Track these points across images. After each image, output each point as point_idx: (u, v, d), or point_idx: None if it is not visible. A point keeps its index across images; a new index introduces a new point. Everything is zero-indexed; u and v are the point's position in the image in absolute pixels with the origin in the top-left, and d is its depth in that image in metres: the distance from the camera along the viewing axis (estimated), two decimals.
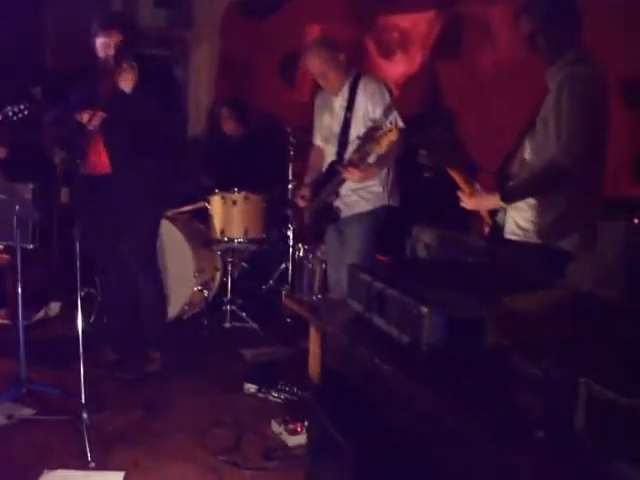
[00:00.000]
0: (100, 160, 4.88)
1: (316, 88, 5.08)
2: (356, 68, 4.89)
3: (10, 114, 4.78)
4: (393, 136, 4.14)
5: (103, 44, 4.76)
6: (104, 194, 4.88)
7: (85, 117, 4.66)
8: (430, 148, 3.76)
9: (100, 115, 4.64)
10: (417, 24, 5.96)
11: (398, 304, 2.35)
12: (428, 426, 2.13)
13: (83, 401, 3.91)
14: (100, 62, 4.81)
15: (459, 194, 3.52)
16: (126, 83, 4.80)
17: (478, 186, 3.50)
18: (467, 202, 3.51)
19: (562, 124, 3.22)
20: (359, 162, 4.41)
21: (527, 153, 3.48)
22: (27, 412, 4.28)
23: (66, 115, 4.83)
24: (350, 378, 2.67)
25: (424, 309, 2.20)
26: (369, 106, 4.62)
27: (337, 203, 4.76)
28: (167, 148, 5.08)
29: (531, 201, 3.41)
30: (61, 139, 5.03)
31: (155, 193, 5.04)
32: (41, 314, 6.18)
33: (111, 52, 4.73)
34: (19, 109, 4.76)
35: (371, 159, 4.46)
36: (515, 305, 2.23)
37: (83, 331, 4.03)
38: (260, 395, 4.62)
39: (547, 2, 3.43)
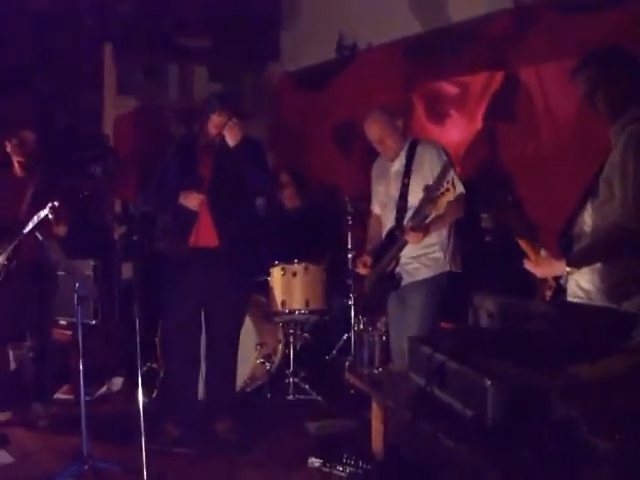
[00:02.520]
0: (209, 233, 4.97)
1: (372, 156, 5.07)
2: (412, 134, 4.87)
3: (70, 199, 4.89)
4: (451, 195, 4.10)
5: (218, 122, 4.88)
6: (210, 265, 4.97)
7: (192, 202, 4.87)
8: (494, 209, 3.70)
9: (203, 201, 4.87)
10: (470, 87, 5.94)
11: (460, 377, 2.28)
12: None
13: (145, 478, 3.87)
14: (205, 139, 4.98)
15: (526, 263, 3.44)
16: (233, 138, 4.87)
17: (544, 253, 3.42)
18: (535, 270, 3.43)
19: (628, 185, 3.12)
20: (419, 224, 4.37)
21: (589, 214, 3.38)
22: None
23: (167, 199, 4.97)
24: (413, 453, 2.58)
25: (487, 382, 2.12)
26: (427, 170, 4.59)
27: (398, 270, 4.70)
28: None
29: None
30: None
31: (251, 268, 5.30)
32: (104, 389, 6.18)
33: (224, 132, 4.88)
34: (82, 195, 4.86)
35: (429, 220, 4.41)
36: (582, 375, 2.14)
37: (145, 407, 4.02)
38: (325, 469, 4.51)
39: (602, 59, 3.34)
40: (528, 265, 3.44)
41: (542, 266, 3.40)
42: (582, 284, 3.34)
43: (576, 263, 3.27)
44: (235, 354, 5.32)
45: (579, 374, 2.12)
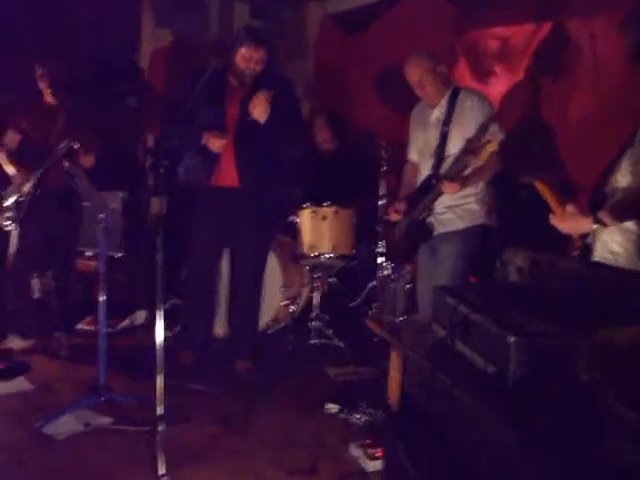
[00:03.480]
0: (230, 174, 5.02)
1: (412, 103, 4.94)
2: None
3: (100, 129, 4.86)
4: (492, 147, 3.98)
5: (247, 56, 4.88)
6: (230, 205, 5.06)
7: (215, 145, 4.91)
8: (524, 162, 3.58)
9: (228, 142, 4.93)
10: (515, 37, 5.76)
11: (484, 331, 2.19)
12: (509, 467, 1.96)
13: (160, 413, 3.85)
14: (237, 76, 4.97)
15: (551, 217, 3.34)
16: (260, 114, 4.88)
17: (570, 208, 3.31)
18: (559, 224, 3.33)
19: None
20: (457, 174, 4.27)
21: (623, 173, 3.26)
22: (104, 421, 4.28)
23: (191, 137, 5.00)
24: (430, 406, 2.51)
25: (512, 338, 2.03)
26: (468, 120, 4.46)
27: (430, 220, 4.60)
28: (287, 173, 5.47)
29: (625, 224, 3.20)
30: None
31: (277, 211, 5.44)
32: (126, 322, 6.19)
33: (253, 66, 4.90)
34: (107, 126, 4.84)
35: (468, 171, 4.30)
36: (614, 339, 2.05)
37: (165, 342, 3.99)
38: (341, 416, 4.49)
39: None
40: (553, 220, 3.35)
41: (567, 221, 3.31)
42: (611, 246, 3.24)
43: (603, 220, 3.16)
44: (258, 294, 5.37)
45: (610, 338, 2.03)
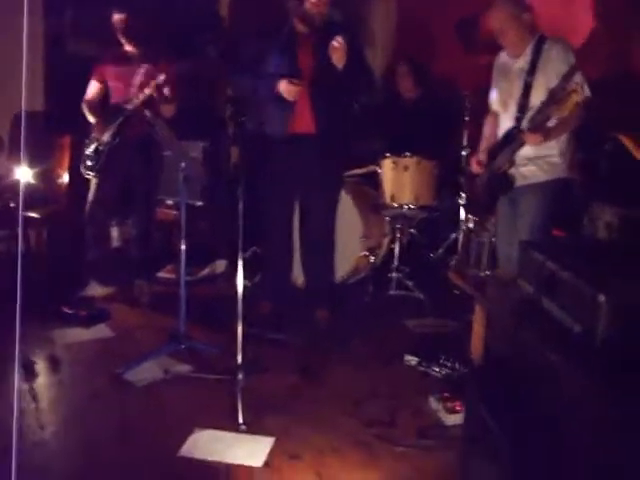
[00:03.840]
0: (306, 120, 5.00)
1: (496, 52, 4.80)
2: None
3: (174, 73, 4.85)
4: (577, 97, 3.82)
5: (312, 3, 4.86)
6: (304, 151, 5.04)
7: (291, 93, 4.87)
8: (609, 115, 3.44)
9: (303, 89, 4.89)
10: None
11: (572, 289, 2.12)
12: (595, 428, 1.90)
13: (239, 362, 3.88)
14: (307, 21, 4.93)
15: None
16: (339, 60, 4.84)
17: None
18: None
19: None
20: (540, 124, 4.14)
21: None
22: (184, 369, 4.32)
23: (265, 86, 4.97)
24: (514, 364, 2.46)
25: (602, 297, 1.96)
26: (552, 70, 4.30)
27: (512, 172, 4.48)
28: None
29: None
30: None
31: (345, 154, 5.43)
32: (206, 271, 6.24)
33: (322, 9, 4.88)
34: (182, 70, 4.83)
35: (551, 123, 4.17)
36: None
37: (246, 291, 4.01)
38: (420, 368, 4.46)
39: None
40: None
41: None
42: None
43: None
44: (332, 242, 5.39)
45: None
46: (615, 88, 5.24)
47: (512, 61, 4.53)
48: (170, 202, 6.05)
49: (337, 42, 4.78)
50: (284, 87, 4.86)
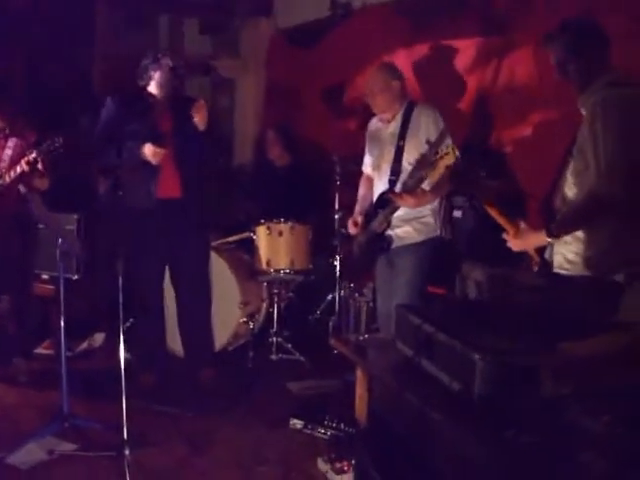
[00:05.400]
0: (172, 184, 5.08)
1: (365, 117, 5.00)
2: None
3: (47, 149, 4.82)
4: (450, 159, 3.99)
5: (167, 77, 5.03)
6: (171, 216, 5.10)
7: (156, 157, 4.92)
8: (465, 184, 3.63)
9: (165, 153, 4.95)
10: (465, 51, 5.85)
11: (449, 350, 2.24)
12: None
13: (125, 437, 3.85)
14: (162, 94, 5.07)
15: (504, 236, 3.41)
16: (202, 120, 4.97)
17: (523, 224, 3.38)
18: (513, 243, 3.39)
19: (599, 152, 3.08)
20: (413, 188, 4.31)
21: (568, 184, 3.33)
22: (68, 447, 4.23)
23: (128, 154, 4.99)
24: (397, 423, 2.56)
25: (476, 356, 2.08)
26: (423, 134, 4.50)
27: (388, 233, 4.65)
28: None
29: (578, 234, 3.26)
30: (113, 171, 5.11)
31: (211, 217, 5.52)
32: (85, 345, 6.14)
33: (175, 84, 5.08)
34: (54, 145, 4.80)
35: (425, 185, 4.35)
36: (574, 352, 2.11)
37: (126, 363, 3.99)
38: (306, 431, 4.51)
39: (573, 29, 3.32)
40: (506, 237, 3.42)
41: (521, 238, 3.37)
42: (568, 256, 3.30)
43: (556, 233, 3.23)
44: (207, 306, 5.44)
45: (570, 351, 2.09)
46: (478, 151, 5.52)
47: (384, 127, 4.73)
48: (45, 276, 5.96)
49: (199, 103, 4.98)
50: (149, 150, 4.89)
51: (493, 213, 3.43)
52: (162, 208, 5.06)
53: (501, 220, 3.41)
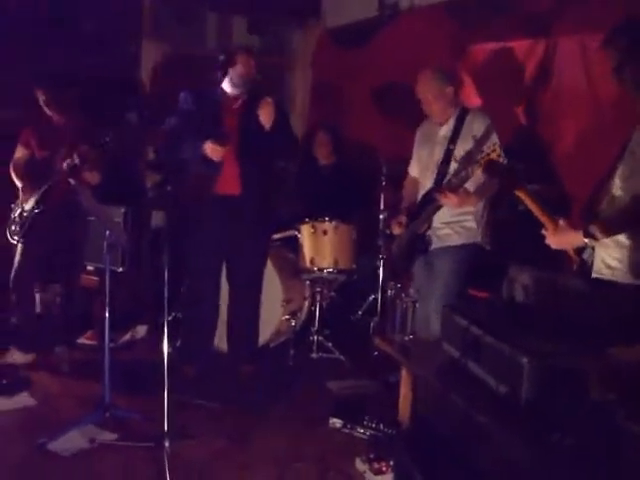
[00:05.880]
0: (232, 182, 5.10)
1: (413, 119, 4.98)
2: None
3: (97, 144, 4.90)
4: (496, 156, 3.97)
5: (245, 64, 5.05)
6: (229, 213, 5.14)
7: (216, 155, 4.95)
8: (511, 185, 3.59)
9: (226, 151, 4.98)
10: (512, 53, 5.81)
11: (496, 352, 2.23)
12: None
13: (166, 429, 3.88)
14: (236, 86, 5.10)
15: (543, 232, 3.37)
16: (267, 119, 5.00)
17: (562, 222, 3.33)
18: (550, 240, 3.35)
19: None
20: (458, 186, 4.29)
21: (615, 187, 3.29)
22: (109, 437, 4.28)
23: (192, 150, 5.05)
24: (442, 425, 2.55)
25: (524, 359, 2.08)
26: (473, 140, 4.49)
27: (429, 234, 4.64)
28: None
29: (620, 238, 3.21)
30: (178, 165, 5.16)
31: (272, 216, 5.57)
32: (127, 337, 6.20)
33: (253, 74, 5.07)
34: (104, 139, 4.88)
35: (470, 187, 4.34)
36: (623, 357, 2.09)
37: (168, 356, 4.02)
38: (345, 430, 4.51)
39: (630, 32, 3.26)
40: (544, 234, 3.38)
41: (558, 236, 3.33)
42: (608, 261, 3.25)
43: (594, 234, 3.18)
44: (257, 305, 5.45)
45: (619, 357, 2.07)
46: (524, 152, 5.48)
47: (436, 129, 4.73)
48: (90, 268, 6.02)
49: (266, 102, 4.97)
50: (210, 148, 4.94)
51: (531, 206, 3.39)
52: (221, 204, 5.12)
53: (540, 214, 3.38)
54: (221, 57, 5.11)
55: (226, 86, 5.14)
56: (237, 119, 5.13)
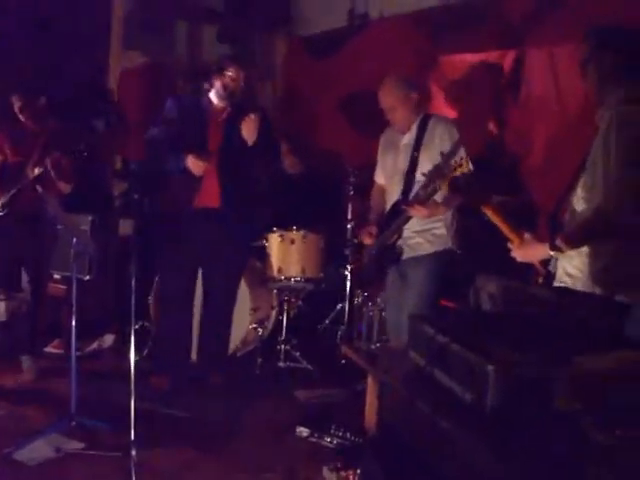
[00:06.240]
0: (212, 195, 5.10)
1: (381, 128, 5.00)
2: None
3: (70, 153, 4.88)
4: (463, 170, 4.01)
5: (234, 76, 5.05)
6: (207, 224, 5.14)
7: (198, 168, 4.98)
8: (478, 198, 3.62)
9: (211, 163, 5.00)
10: (481, 65, 5.86)
11: (462, 360, 2.25)
12: None
13: (132, 438, 3.86)
14: (221, 98, 5.10)
15: (509, 245, 3.41)
16: (251, 134, 5.01)
17: (527, 236, 3.37)
18: (516, 253, 3.38)
19: (609, 168, 3.06)
20: (426, 199, 4.32)
21: (577, 198, 3.32)
22: (76, 446, 4.24)
23: (175, 160, 5.08)
24: (408, 432, 2.56)
25: (490, 367, 2.09)
26: (437, 146, 4.51)
27: (399, 243, 4.65)
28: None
29: (580, 248, 3.25)
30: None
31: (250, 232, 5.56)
32: (94, 345, 6.17)
33: (240, 86, 5.07)
34: (78, 149, 4.86)
35: (438, 197, 4.36)
36: (589, 366, 2.11)
37: (135, 365, 4.00)
38: (312, 439, 4.51)
39: (601, 34, 3.32)
40: (510, 247, 3.41)
41: (524, 249, 3.36)
42: (568, 269, 3.28)
43: (559, 246, 3.21)
44: (230, 315, 5.45)
45: (585, 366, 2.10)
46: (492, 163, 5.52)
47: (399, 137, 4.74)
48: (57, 276, 5.98)
49: (249, 118, 4.97)
50: (192, 162, 4.94)
51: (496, 220, 3.43)
52: (199, 216, 5.12)
53: (504, 228, 3.41)
54: (211, 67, 5.13)
55: (213, 97, 5.14)
56: (221, 131, 5.12)
